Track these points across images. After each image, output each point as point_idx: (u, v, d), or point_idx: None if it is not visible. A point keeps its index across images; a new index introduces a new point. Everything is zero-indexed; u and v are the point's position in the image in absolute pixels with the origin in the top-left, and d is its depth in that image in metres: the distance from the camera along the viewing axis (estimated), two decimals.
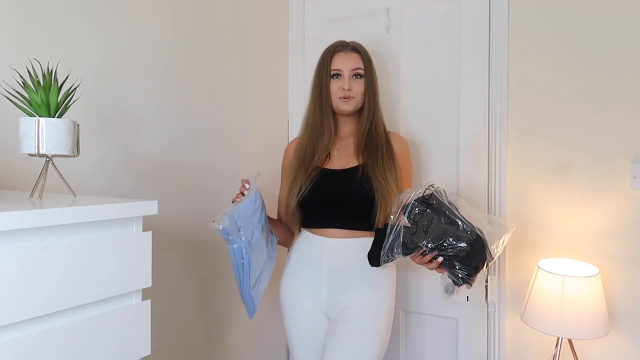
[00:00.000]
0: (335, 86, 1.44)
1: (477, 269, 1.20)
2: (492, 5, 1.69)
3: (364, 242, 1.38)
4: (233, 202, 1.34)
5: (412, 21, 1.84)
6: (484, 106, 1.71)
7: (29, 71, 0.89)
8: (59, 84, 0.90)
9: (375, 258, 1.27)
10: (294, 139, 1.59)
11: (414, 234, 1.20)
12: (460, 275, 1.20)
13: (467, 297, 1.74)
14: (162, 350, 1.44)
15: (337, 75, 1.44)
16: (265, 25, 1.95)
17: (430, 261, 1.22)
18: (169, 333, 1.51)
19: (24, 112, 0.89)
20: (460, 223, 1.19)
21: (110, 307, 0.83)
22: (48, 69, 0.91)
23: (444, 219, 1.19)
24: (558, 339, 1.48)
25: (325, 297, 1.41)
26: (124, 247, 0.84)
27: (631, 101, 1.49)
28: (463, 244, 1.17)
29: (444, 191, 1.25)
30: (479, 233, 1.19)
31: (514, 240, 1.67)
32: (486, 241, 1.21)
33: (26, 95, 0.88)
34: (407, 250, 1.21)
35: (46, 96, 0.88)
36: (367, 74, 1.46)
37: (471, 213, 1.24)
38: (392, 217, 1.23)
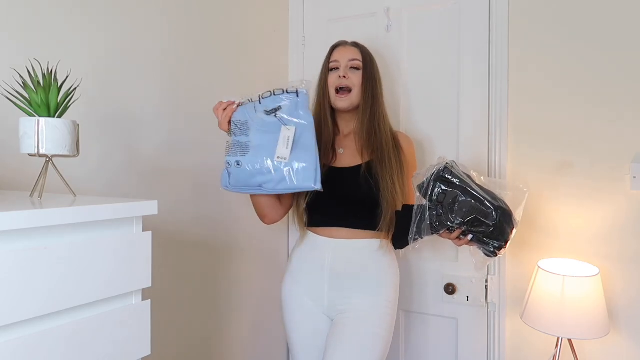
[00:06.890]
0: (332, 78, 1.44)
1: (506, 239, 1.24)
2: (492, 5, 1.69)
3: (367, 243, 1.38)
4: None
5: (412, 21, 1.84)
6: (484, 106, 1.71)
7: (29, 71, 0.89)
8: (59, 84, 0.90)
9: (399, 240, 1.31)
10: None
11: (440, 215, 1.22)
12: (492, 249, 1.24)
13: (467, 297, 1.74)
14: (162, 350, 1.44)
15: (335, 68, 1.45)
16: (265, 25, 1.95)
17: (459, 237, 1.24)
18: (169, 333, 1.51)
19: (24, 112, 0.89)
20: (483, 198, 1.21)
21: (110, 307, 0.83)
22: (48, 69, 0.91)
23: (468, 196, 1.21)
24: (558, 339, 1.48)
25: (327, 298, 1.40)
26: (124, 247, 0.84)
27: (631, 101, 1.49)
28: (492, 221, 1.20)
29: (454, 162, 1.26)
30: (503, 205, 1.22)
31: (514, 240, 1.67)
32: (510, 210, 1.24)
33: (26, 95, 0.88)
34: (435, 230, 1.24)
35: (46, 96, 0.88)
36: (366, 68, 1.45)
37: (485, 181, 1.27)
38: (416, 198, 1.26)
